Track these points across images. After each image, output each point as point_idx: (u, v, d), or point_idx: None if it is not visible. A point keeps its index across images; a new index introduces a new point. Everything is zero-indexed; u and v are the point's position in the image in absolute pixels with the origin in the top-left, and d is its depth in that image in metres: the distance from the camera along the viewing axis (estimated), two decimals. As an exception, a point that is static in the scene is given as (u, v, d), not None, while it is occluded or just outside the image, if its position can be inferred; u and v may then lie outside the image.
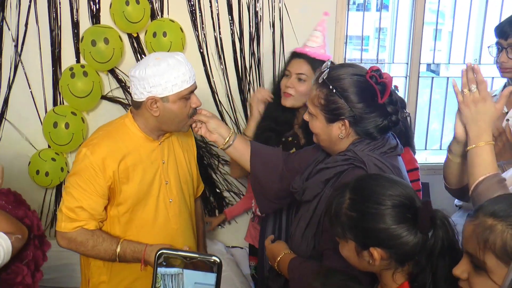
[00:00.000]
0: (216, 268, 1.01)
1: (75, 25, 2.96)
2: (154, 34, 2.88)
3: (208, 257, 1.02)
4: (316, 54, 2.25)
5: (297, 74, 2.27)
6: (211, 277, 1.01)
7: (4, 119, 3.01)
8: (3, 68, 2.96)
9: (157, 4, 2.99)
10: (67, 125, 2.88)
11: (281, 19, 3.06)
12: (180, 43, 2.94)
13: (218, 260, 1.02)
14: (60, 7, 2.93)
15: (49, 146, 3.04)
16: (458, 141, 1.71)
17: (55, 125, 2.87)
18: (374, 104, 1.62)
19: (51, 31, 2.95)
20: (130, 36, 3.00)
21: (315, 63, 2.23)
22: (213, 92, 3.12)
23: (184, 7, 3.00)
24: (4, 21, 2.91)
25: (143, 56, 3.02)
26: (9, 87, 2.98)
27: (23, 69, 2.98)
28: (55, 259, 2.58)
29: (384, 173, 1.58)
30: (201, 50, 3.07)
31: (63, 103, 3.03)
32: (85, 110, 3.02)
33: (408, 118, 2.43)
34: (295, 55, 2.32)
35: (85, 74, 2.87)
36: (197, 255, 1.03)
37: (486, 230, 1.13)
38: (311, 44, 2.28)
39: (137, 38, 3.01)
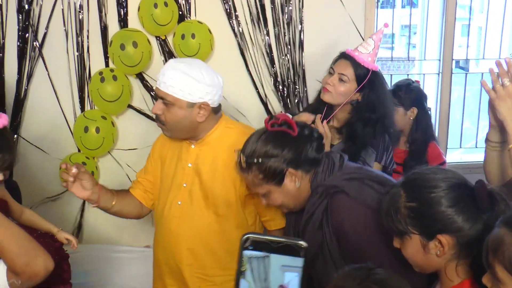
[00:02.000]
0: (303, 252, 1.00)
1: (104, 29, 2.96)
2: (183, 36, 2.87)
3: (295, 241, 1.01)
4: (362, 61, 2.27)
5: (339, 74, 2.29)
6: (298, 261, 1.01)
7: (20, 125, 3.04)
8: (26, 70, 2.98)
9: (185, 6, 2.98)
10: (97, 129, 2.88)
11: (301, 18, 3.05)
12: (208, 45, 2.92)
13: (305, 245, 1.00)
14: (88, 12, 2.94)
15: (79, 150, 3.04)
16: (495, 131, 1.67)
17: (86, 129, 2.88)
18: (294, 141, 1.68)
19: (77, 35, 2.96)
20: (158, 39, 3.00)
21: (358, 68, 2.26)
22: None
23: (212, 8, 2.99)
24: (29, 26, 2.92)
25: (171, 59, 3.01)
26: (30, 91, 3.01)
27: (48, 73, 2.99)
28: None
29: (362, 180, 1.65)
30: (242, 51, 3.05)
31: (90, 108, 3.04)
32: (114, 114, 3.02)
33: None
34: (343, 56, 2.34)
35: (115, 78, 2.87)
36: (283, 239, 1.02)
37: (497, 240, 1.12)
38: (361, 50, 2.30)
39: (165, 41, 2.99)
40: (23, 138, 3.04)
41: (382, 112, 2.29)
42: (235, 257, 1.96)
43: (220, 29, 3.01)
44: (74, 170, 1.80)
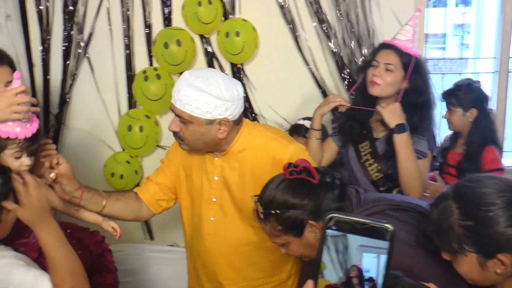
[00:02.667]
0: (389, 236, 0.96)
1: (148, 28, 2.96)
2: (227, 35, 2.82)
3: (381, 223, 0.96)
4: (404, 47, 2.22)
5: (385, 64, 2.23)
6: (383, 244, 0.96)
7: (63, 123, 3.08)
8: (70, 70, 3.02)
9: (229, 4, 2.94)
10: (141, 128, 2.88)
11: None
12: (253, 43, 2.87)
13: (391, 228, 0.96)
14: (133, 11, 2.94)
15: (123, 149, 3.05)
16: None
17: (130, 128, 2.88)
18: (314, 189, 1.56)
19: (124, 36, 2.97)
20: (201, 37, 2.97)
21: (403, 55, 2.22)
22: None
23: (259, 5, 2.93)
24: (74, 25, 2.96)
25: (214, 57, 2.98)
26: (74, 90, 3.04)
27: (92, 72, 3.02)
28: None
29: (383, 212, 1.56)
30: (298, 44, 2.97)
31: (134, 107, 3.04)
32: (158, 113, 3.01)
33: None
34: (384, 46, 2.30)
35: (158, 77, 2.86)
36: (368, 221, 0.96)
37: None
38: (400, 37, 2.25)
39: (208, 40, 2.97)
40: (68, 135, 3.09)
41: (428, 96, 2.24)
42: (280, 263, 1.92)
43: (267, 26, 2.95)
44: (52, 175, 1.73)
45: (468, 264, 1.25)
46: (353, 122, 2.34)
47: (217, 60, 3.00)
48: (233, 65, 2.99)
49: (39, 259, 1.60)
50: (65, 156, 2.93)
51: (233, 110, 1.74)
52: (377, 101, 2.26)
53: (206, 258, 1.94)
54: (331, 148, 2.42)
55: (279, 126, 2.94)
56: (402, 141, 2.12)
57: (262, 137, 1.84)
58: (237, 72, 2.98)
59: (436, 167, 2.37)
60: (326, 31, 2.93)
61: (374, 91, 2.24)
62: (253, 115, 3.04)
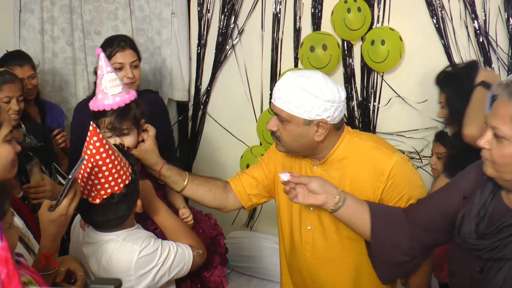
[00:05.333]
0: None
1: (297, 31, 3.11)
2: (372, 42, 2.86)
3: None
4: None
5: None
6: None
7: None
8: (220, 64, 3.30)
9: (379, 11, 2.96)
10: (279, 125, 3.03)
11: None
12: (398, 52, 2.88)
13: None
14: (285, 14, 3.11)
15: (260, 144, 3.23)
16: None
17: (269, 124, 3.04)
18: None
19: (274, 36, 3.15)
20: (347, 43, 3.04)
21: None
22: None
23: (406, 16, 2.93)
24: (236, 25, 3.22)
25: (354, 63, 3.05)
26: (219, 75, 3.33)
27: (246, 71, 3.26)
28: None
29: None
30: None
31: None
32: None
33: None
34: None
35: (301, 78, 2.98)
36: None
37: None
38: None
39: (352, 46, 3.03)
40: (210, 117, 3.40)
41: None
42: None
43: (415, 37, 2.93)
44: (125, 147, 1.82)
45: None
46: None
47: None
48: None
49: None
50: (205, 142, 3.24)
51: (332, 112, 1.69)
52: None
53: (306, 269, 1.94)
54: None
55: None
56: None
57: (363, 146, 1.79)
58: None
59: None
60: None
61: None
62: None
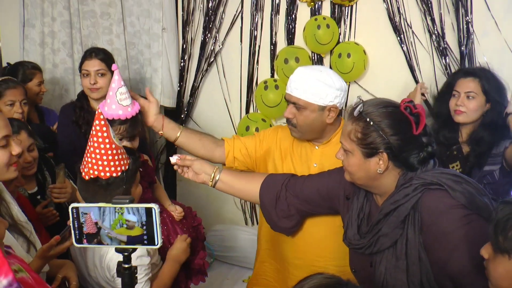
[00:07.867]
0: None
1: (273, 45, 3.42)
2: (339, 55, 3.15)
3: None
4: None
5: (465, 93, 2.41)
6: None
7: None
8: (202, 74, 3.61)
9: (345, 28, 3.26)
10: (257, 129, 3.31)
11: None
12: (362, 64, 3.17)
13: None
14: (262, 31, 3.43)
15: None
16: None
17: (247, 128, 3.34)
18: (409, 135, 1.57)
19: (252, 50, 3.47)
20: (317, 56, 3.34)
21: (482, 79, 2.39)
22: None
23: (370, 32, 3.21)
24: (215, 38, 3.53)
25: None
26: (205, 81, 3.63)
27: (225, 79, 3.58)
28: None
29: (468, 183, 1.56)
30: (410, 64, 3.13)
31: (253, 111, 3.52)
32: (274, 118, 3.46)
33: None
34: (461, 75, 2.48)
35: (277, 87, 3.29)
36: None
37: None
38: None
39: (322, 58, 3.33)
40: (194, 122, 3.70)
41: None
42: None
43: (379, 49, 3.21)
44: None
45: (505, 269, 1.26)
46: (439, 146, 2.34)
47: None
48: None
49: None
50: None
51: (340, 98, 2.03)
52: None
53: (303, 241, 2.11)
54: None
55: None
56: None
57: None
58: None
59: None
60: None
61: (460, 118, 2.44)
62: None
